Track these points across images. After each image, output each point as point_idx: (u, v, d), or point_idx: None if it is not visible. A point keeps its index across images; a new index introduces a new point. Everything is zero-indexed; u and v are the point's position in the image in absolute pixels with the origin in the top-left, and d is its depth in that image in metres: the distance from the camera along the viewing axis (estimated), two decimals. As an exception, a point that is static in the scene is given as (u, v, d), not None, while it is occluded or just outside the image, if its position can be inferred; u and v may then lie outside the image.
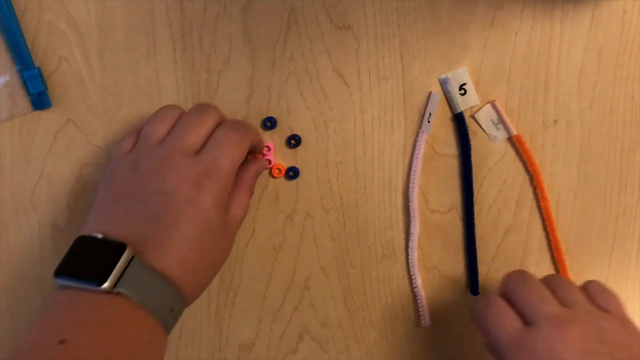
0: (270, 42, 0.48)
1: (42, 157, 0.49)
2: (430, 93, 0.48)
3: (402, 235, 0.50)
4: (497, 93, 0.49)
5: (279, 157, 0.49)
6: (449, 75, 0.48)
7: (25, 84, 0.47)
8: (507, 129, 0.49)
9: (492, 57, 0.48)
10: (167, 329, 0.41)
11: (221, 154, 0.43)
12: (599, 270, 0.51)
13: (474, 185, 0.49)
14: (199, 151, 0.43)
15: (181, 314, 0.42)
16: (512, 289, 0.43)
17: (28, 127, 0.49)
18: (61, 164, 0.49)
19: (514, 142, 0.49)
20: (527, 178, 0.50)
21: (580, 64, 0.48)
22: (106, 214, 0.42)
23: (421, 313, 0.51)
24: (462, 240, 0.50)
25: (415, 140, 0.49)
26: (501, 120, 0.49)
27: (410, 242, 0.50)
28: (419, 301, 0.51)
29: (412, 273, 0.50)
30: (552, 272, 0.51)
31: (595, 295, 0.43)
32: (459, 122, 0.49)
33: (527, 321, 0.41)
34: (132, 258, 0.39)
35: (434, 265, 0.51)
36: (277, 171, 0.49)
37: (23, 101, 0.48)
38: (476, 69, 0.48)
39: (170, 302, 0.40)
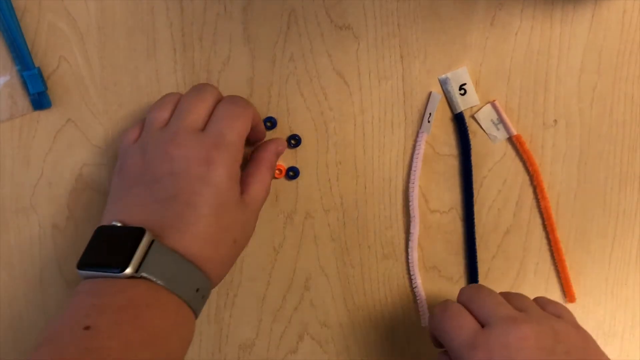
0: (270, 42, 0.48)
1: (42, 157, 0.49)
2: (430, 93, 0.48)
3: (402, 235, 0.50)
4: (497, 93, 0.49)
5: (279, 157, 0.49)
6: (449, 75, 0.48)
7: (25, 84, 0.47)
8: (507, 129, 0.49)
9: (492, 57, 0.48)
10: (195, 310, 0.41)
11: (226, 127, 0.43)
12: (599, 270, 0.51)
13: (474, 185, 0.49)
14: (203, 128, 0.43)
15: (209, 293, 0.42)
16: (469, 297, 0.43)
17: (28, 127, 0.49)
18: (61, 164, 0.49)
19: (514, 142, 0.49)
20: (527, 178, 0.50)
21: (580, 64, 0.48)
22: (121, 202, 0.42)
23: (421, 313, 0.51)
24: (462, 240, 0.50)
25: (415, 140, 0.49)
26: (501, 120, 0.49)
27: (410, 242, 0.50)
28: (419, 301, 0.51)
29: (412, 273, 0.50)
30: (552, 272, 0.51)
31: (546, 306, 0.43)
32: (459, 122, 0.49)
33: (483, 324, 0.41)
34: (152, 242, 0.39)
35: (434, 265, 0.51)
36: (277, 171, 0.49)
37: (23, 101, 0.48)
38: (476, 69, 0.48)
39: (194, 282, 0.40)
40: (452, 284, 0.51)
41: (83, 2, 0.47)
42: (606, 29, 0.48)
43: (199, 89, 0.45)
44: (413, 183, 0.49)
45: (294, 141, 0.49)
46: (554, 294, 0.51)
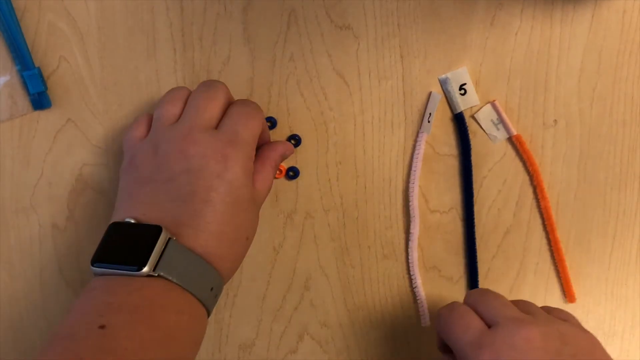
0: (270, 42, 0.48)
1: (42, 157, 0.49)
2: (430, 93, 0.48)
3: (402, 235, 0.50)
4: (497, 93, 0.49)
5: (284, 160, 0.49)
6: (449, 75, 0.48)
7: (25, 84, 0.47)
8: (507, 129, 0.49)
9: (492, 57, 0.48)
10: (209, 309, 0.41)
11: (240, 125, 0.43)
12: (599, 270, 0.51)
13: (474, 185, 0.49)
14: (216, 126, 0.43)
15: (221, 292, 0.42)
16: (475, 300, 0.43)
17: (28, 127, 0.49)
18: (61, 164, 0.49)
19: (514, 142, 0.49)
20: (527, 178, 0.50)
21: (580, 64, 0.48)
22: (134, 200, 0.42)
23: (421, 313, 0.51)
24: (462, 240, 0.50)
25: (415, 140, 0.49)
26: (501, 120, 0.49)
27: (410, 242, 0.50)
28: (419, 301, 0.51)
29: (412, 273, 0.50)
30: (552, 272, 0.51)
31: (552, 311, 0.43)
32: (459, 122, 0.49)
33: (489, 325, 0.41)
34: (167, 240, 0.39)
35: (434, 265, 0.51)
36: (277, 171, 0.49)
37: (23, 101, 0.48)
38: (476, 69, 0.48)
39: (209, 281, 0.40)
40: (452, 284, 0.51)
41: (83, 2, 0.47)
42: (606, 29, 0.48)
43: (209, 85, 0.45)
44: (413, 183, 0.49)
45: (294, 141, 0.49)
46: (554, 294, 0.51)
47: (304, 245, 0.50)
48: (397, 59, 0.48)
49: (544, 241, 0.50)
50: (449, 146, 0.49)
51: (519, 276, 0.51)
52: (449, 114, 0.49)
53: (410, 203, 0.49)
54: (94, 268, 0.39)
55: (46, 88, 0.48)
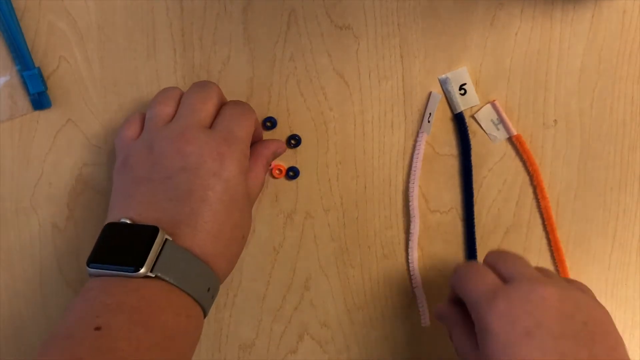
0: (270, 42, 0.48)
1: (42, 157, 0.49)
2: (430, 93, 0.48)
3: (402, 235, 0.50)
4: (497, 93, 0.49)
5: (279, 157, 0.49)
6: (449, 75, 0.48)
7: (25, 84, 0.47)
8: (507, 129, 0.49)
9: (492, 57, 0.48)
10: (205, 310, 0.41)
11: (235, 124, 0.43)
12: (599, 270, 0.51)
13: (474, 185, 0.49)
14: (210, 126, 0.43)
15: (217, 292, 0.42)
16: (495, 258, 0.43)
17: (28, 127, 0.49)
18: (61, 164, 0.49)
19: (514, 142, 0.49)
20: (527, 178, 0.50)
21: (580, 64, 0.48)
22: (130, 200, 0.42)
23: (421, 313, 0.51)
24: (462, 240, 0.50)
25: (415, 140, 0.49)
26: (501, 120, 0.49)
27: (410, 242, 0.50)
28: (419, 301, 0.50)
29: (412, 273, 0.50)
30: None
31: (571, 281, 0.43)
32: (459, 122, 0.49)
33: (506, 281, 0.41)
34: (165, 240, 0.39)
35: (434, 265, 0.51)
36: (277, 171, 0.49)
37: (23, 101, 0.48)
38: (476, 69, 0.48)
39: (206, 281, 0.40)
40: (452, 284, 0.51)
41: (83, 2, 0.47)
42: (606, 29, 0.48)
43: (202, 86, 0.45)
44: (413, 183, 0.49)
45: (294, 141, 0.49)
46: (554, 294, 0.51)
47: (304, 245, 0.50)
48: (397, 59, 0.48)
49: (544, 241, 0.50)
50: (449, 146, 0.49)
51: (519, 276, 0.51)
52: (449, 114, 0.49)
53: (410, 203, 0.49)
54: (90, 269, 0.39)
55: (46, 88, 0.48)
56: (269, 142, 0.47)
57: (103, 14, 0.48)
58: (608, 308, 0.51)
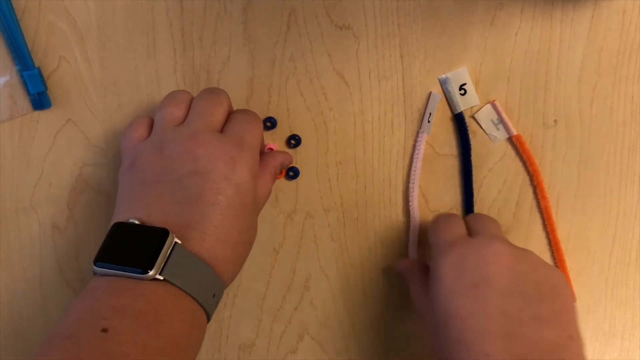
0: (270, 42, 0.48)
1: (42, 157, 0.49)
2: (430, 93, 0.48)
3: (402, 235, 0.50)
4: (497, 93, 0.49)
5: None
6: (449, 75, 0.48)
7: (25, 84, 0.47)
8: (507, 129, 0.49)
9: (492, 57, 0.48)
10: (209, 316, 0.40)
11: (245, 130, 0.43)
12: (599, 270, 0.51)
13: (474, 185, 0.49)
14: (220, 130, 0.43)
15: (221, 297, 0.41)
16: (472, 217, 0.46)
17: (28, 127, 0.49)
18: (61, 164, 0.49)
19: (514, 142, 0.49)
20: (527, 178, 0.50)
21: (580, 64, 0.48)
22: (138, 201, 0.41)
23: (421, 313, 0.51)
24: (462, 240, 0.50)
25: (415, 140, 0.49)
26: (501, 120, 0.49)
27: (410, 242, 0.50)
28: (419, 301, 0.50)
29: (412, 273, 0.50)
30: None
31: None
32: (459, 122, 0.49)
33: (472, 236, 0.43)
34: (174, 244, 0.38)
35: (434, 265, 0.51)
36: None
37: (23, 101, 0.48)
38: (476, 69, 0.48)
39: (212, 286, 0.40)
40: (452, 284, 0.51)
41: (83, 2, 0.48)
42: (606, 29, 0.48)
43: (213, 91, 0.45)
44: (413, 183, 0.49)
45: (294, 141, 0.49)
46: (554, 294, 0.51)
47: (304, 245, 0.50)
48: (397, 59, 0.48)
49: (544, 241, 0.50)
50: (449, 146, 0.49)
51: (519, 276, 0.51)
52: (449, 114, 0.49)
53: (410, 203, 0.49)
54: (97, 268, 0.38)
55: (46, 88, 0.48)
56: (276, 154, 0.47)
57: (103, 14, 0.48)
58: (608, 308, 0.51)
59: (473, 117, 0.49)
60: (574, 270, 0.50)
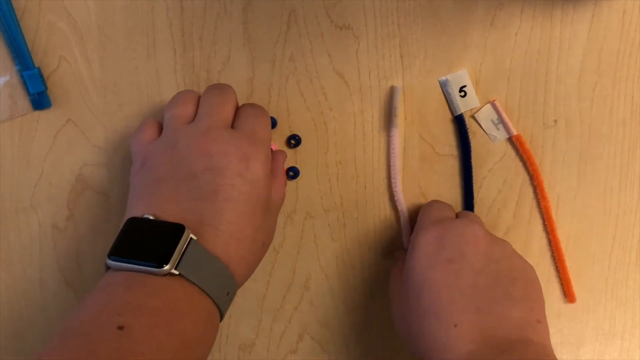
0: (270, 42, 0.48)
1: (42, 157, 0.49)
2: (391, 87, 0.48)
3: (402, 235, 0.50)
4: (497, 93, 0.49)
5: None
6: (448, 77, 0.48)
7: (25, 84, 0.47)
8: (507, 129, 0.49)
9: (492, 57, 0.48)
10: (222, 315, 0.40)
11: (256, 125, 0.43)
12: (599, 270, 0.51)
13: (474, 185, 0.49)
14: (231, 126, 0.43)
15: (234, 297, 0.41)
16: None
17: (28, 127, 0.49)
18: (61, 164, 0.49)
19: (514, 142, 0.49)
20: (527, 178, 0.50)
21: (580, 64, 0.48)
22: (152, 197, 0.41)
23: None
24: (462, 240, 0.50)
25: (389, 137, 0.49)
26: (501, 120, 0.49)
27: (403, 233, 0.49)
28: (419, 301, 0.50)
29: (412, 273, 0.50)
30: (552, 272, 0.50)
31: None
32: (459, 124, 0.49)
33: None
34: (189, 240, 0.38)
35: (434, 265, 0.51)
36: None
37: (23, 101, 0.48)
38: (476, 69, 0.48)
39: (227, 284, 0.40)
40: (452, 284, 0.51)
41: (83, 2, 0.48)
42: (606, 29, 0.48)
43: (221, 88, 0.45)
44: (395, 178, 0.49)
45: (294, 141, 0.49)
46: (554, 294, 0.51)
47: (304, 245, 0.50)
48: (397, 59, 0.48)
49: (544, 241, 0.50)
50: (449, 146, 0.49)
51: (519, 276, 0.51)
52: (449, 116, 0.49)
53: (396, 198, 0.49)
54: (111, 262, 0.38)
55: (46, 88, 0.48)
56: (275, 155, 0.47)
57: (103, 14, 0.48)
58: (608, 308, 0.51)
59: (473, 117, 0.49)
60: (574, 270, 0.50)
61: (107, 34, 0.48)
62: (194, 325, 0.37)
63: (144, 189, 0.42)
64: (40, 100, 0.48)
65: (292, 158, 0.49)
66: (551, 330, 0.41)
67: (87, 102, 0.49)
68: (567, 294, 0.50)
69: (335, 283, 0.51)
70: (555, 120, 0.49)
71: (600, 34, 0.48)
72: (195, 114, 0.44)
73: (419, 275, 0.41)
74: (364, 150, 0.49)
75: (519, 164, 0.49)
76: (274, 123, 0.49)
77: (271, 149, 0.48)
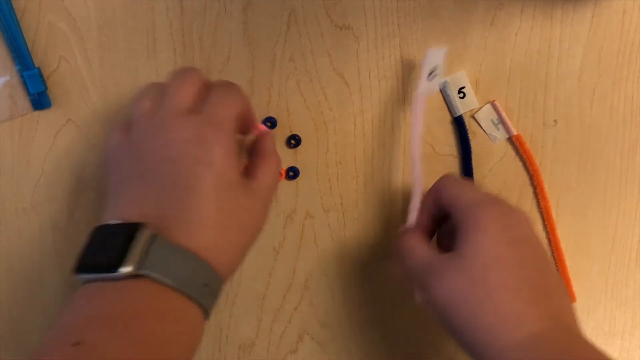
0: (270, 42, 0.48)
1: (42, 157, 0.49)
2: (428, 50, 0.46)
3: (402, 235, 0.50)
4: (497, 93, 0.49)
5: (279, 157, 0.49)
6: (447, 79, 0.48)
7: (25, 84, 0.47)
8: (507, 129, 0.49)
9: (492, 57, 0.48)
10: (205, 309, 0.38)
11: (219, 105, 0.41)
12: (599, 270, 0.51)
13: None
14: (193, 112, 0.41)
15: (219, 288, 0.39)
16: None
17: (28, 127, 0.49)
18: (61, 164, 0.49)
19: (514, 142, 0.49)
20: (527, 178, 0.50)
21: (580, 64, 0.48)
22: (119, 199, 0.40)
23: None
24: (462, 240, 0.50)
25: (418, 96, 0.46)
26: (501, 120, 0.49)
27: (411, 207, 0.48)
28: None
29: (412, 273, 0.50)
30: (552, 272, 0.51)
31: None
32: (459, 125, 0.49)
33: None
34: (153, 237, 0.36)
35: (434, 265, 0.51)
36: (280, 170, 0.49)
37: (23, 101, 0.48)
38: (476, 69, 0.48)
39: (201, 276, 0.38)
40: (452, 284, 0.51)
41: (83, 2, 0.48)
42: (606, 29, 0.48)
43: (177, 72, 0.43)
44: (415, 142, 0.45)
45: (294, 141, 0.49)
46: (554, 294, 0.51)
47: (304, 245, 0.50)
48: (397, 59, 0.48)
49: (544, 241, 0.50)
50: (449, 146, 0.49)
51: (519, 276, 0.51)
52: (448, 117, 0.49)
53: (413, 164, 0.45)
54: (78, 277, 0.37)
55: (46, 88, 0.48)
56: (261, 137, 0.45)
57: (103, 14, 0.48)
58: (608, 308, 0.51)
59: (473, 117, 0.49)
60: (574, 270, 0.50)
61: (107, 34, 0.48)
62: (162, 326, 0.36)
63: (112, 191, 0.41)
64: (40, 100, 0.48)
65: (292, 158, 0.49)
66: (551, 330, 0.41)
67: (87, 102, 0.49)
68: (567, 294, 0.50)
69: (335, 283, 0.51)
70: (555, 120, 0.49)
71: (600, 34, 0.48)
72: None
73: (488, 251, 0.39)
74: (363, 150, 0.49)
75: (519, 164, 0.49)
76: (273, 123, 0.49)
77: (259, 130, 0.46)
